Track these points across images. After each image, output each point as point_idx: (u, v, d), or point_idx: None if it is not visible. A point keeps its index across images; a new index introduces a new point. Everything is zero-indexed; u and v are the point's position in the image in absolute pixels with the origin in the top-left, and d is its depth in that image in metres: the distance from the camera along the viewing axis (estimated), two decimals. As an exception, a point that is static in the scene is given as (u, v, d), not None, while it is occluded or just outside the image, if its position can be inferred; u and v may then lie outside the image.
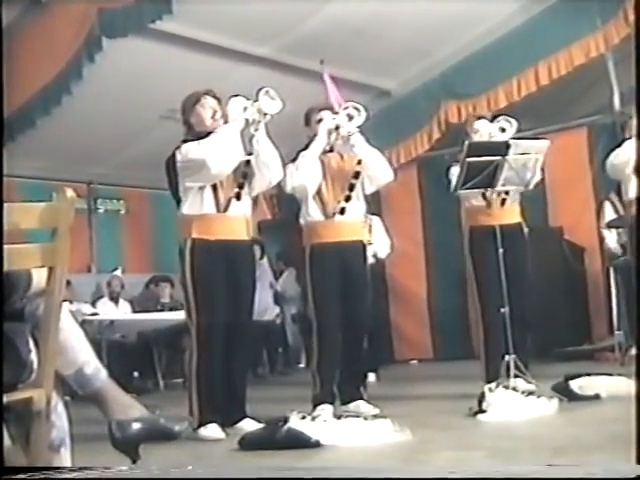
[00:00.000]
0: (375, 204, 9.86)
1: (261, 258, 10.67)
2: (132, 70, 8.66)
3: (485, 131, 6.61)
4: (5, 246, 2.31)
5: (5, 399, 2.40)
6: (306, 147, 6.03)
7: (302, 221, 6.13)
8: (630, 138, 6.77)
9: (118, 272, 10.55)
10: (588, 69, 9.66)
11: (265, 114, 5.42)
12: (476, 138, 6.61)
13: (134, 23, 7.76)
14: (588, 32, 9.43)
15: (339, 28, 8.95)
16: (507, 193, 6.53)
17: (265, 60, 9.21)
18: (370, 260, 8.22)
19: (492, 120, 6.69)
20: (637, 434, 2.74)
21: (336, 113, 6.09)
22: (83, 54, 7.88)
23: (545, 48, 9.67)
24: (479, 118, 6.90)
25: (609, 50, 9.40)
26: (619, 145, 6.89)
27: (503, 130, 6.53)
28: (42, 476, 2.44)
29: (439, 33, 9.63)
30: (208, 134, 5.41)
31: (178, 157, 5.42)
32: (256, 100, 5.41)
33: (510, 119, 6.58)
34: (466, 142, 6.25)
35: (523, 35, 9.77)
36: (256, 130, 5.45)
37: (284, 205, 11.10)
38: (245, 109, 5.42)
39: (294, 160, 5.96)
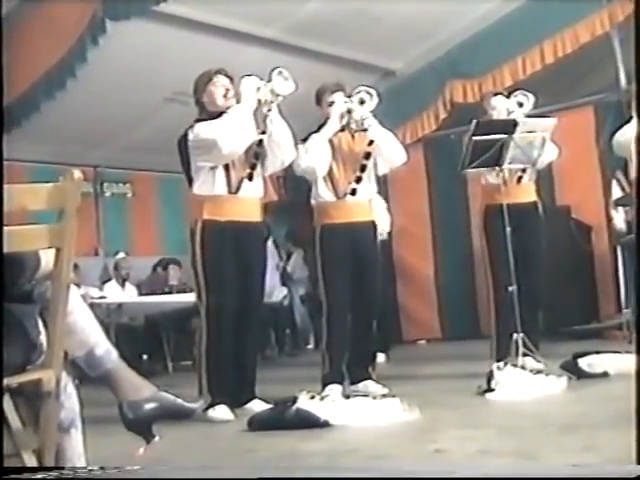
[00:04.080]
0: (381, 184, 9.87)
1: (267, 240, 10.68)
2: (136, 53, 8.64)
3: (502, 107, 6.58)
4: (12, 227, 2.31)
5: (15, 381, 2.41)
6: (318, 129, 6.02)
7: (313, 202, 6.14)
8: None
9: (121, 255, 10.54)
10: (594, 47, 9.63)
11: (278, 95, 5.41)
12: (494, 115, 6.61)
13: (138, 5, 7.74)
14: (593, 10, 9.42)
15: (343, 8, 8.92)
16: (524, 171, 6.53)
17: (270, 41, 9.18)
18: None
19: (508, 96, 6.66)
20: (637, 435, 2.73)
21: (349, 96, 6.07)
22: (87, 37, 7.85)
23: (550, 27, 9.64)
24: (496, 94, 6.88)
25: (614, 28, 9.37)
26: (626, 122, 6.86)
27: (521, 105, 6.51)
28: (40, 476, 2.44)
29: (443, 12, 9.59)
30: (220, 114, 5.40)
31: (190, 136, 5.41)
32: (269, 80, 5.40)
33: (527, 93, 6.55)
34: (474, 120, 6.24)
35: (528, 14, 9.74)
36: (269, 110, 5.44)
37: (291, 186, 11.09)
38: (258, 89, 5.41)
39: (304, 141, 5.95)
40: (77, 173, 2.41)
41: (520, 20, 9.78)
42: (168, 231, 11.12)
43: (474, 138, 6.08)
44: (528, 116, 6.45)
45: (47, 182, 2.42)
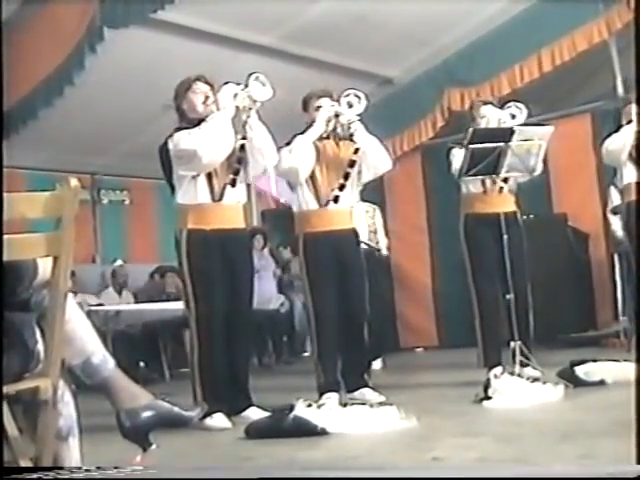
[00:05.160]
0: (379, 192, 9.90)
1: (264, 247, 10.67)
2: (134, 60, 8.64)
3: (494, 117, 6.57)
4: (10, 236, 2.31)
5: (12, 389, 2.41)
6: (303, 132, 6.02)
7: (295, 209, 6.13)
8: (629, 123, 6.75)
9: (119, 263, 10.54)
10: (591, 55, 9.64)
11: (256, 100, 5.40)
12: (483, 123, 6.58)
13: (135, 13, 7.74)
14: (591, 18, 9.42)
15: (340, 16, 8.94)
16: (505, 181, 6.52)
17: (267, 49, 9.19)
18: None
19: (502, 107, 6.66)
20: (637, 435, 2.73)
21: (336, 100, 6.07)
22: (85, 45, 7.86)
23: (548, 35, 9.65)
24: (485, 103, 6.88)
25: (612, 36, 9.38)
26: (616, 131, 6.87)
27: (513, 117, 6.50)
28: (36, 476, 2.44)
29: (441, 20, 9.60)
30: (200, 121, 5.39)
31: (170, 146, 5.40)
32: (246, 86, 5.39)
33: (520, 105, 6.54)
34: (470, 128, 6.24)
35: (525, 22, 9.75)
36: (248, 117, 5.42)
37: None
38: (235, 96, 5.40)
39: (288, 144, 5.95)
40: (74, 181, 2.41)
41: (518, 28, 9.79)
42: (165, 238, 11.02)
43: (471, 146, 6.08)
44: (525, 124, 6.44)
45: (44, 189, 2.42)
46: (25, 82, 8.08)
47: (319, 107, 6.07)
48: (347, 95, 6.00)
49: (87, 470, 2.63)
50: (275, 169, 5.91)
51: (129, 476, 2.70)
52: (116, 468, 2.71)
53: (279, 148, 5.76)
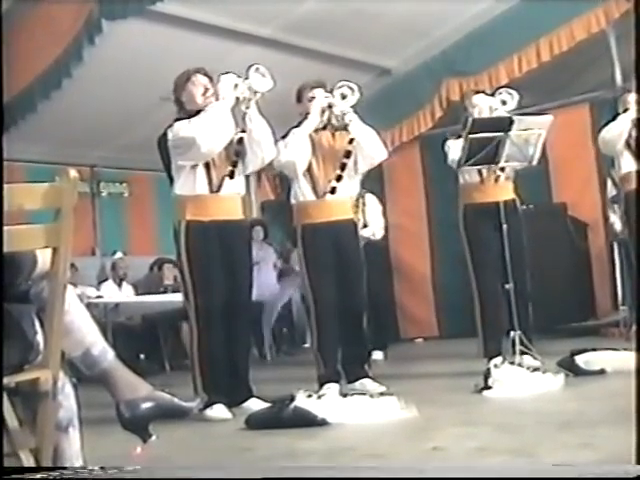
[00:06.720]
0: (378, 182, 9.91)
1: (264, 239, 10.66)
2: (133, 52, 8.63)
3: (485, 105, 6.59)
4: (9, 227, 2.31)
5: (12, 380, 2.41)
6: (298, 125, 6.02)
7: (293, 201, 6.15)
8: (625, 112, 6.76)
9: (119, 255, 10.53)
10: (589, 45, 9.63)
11: (256, 92, 5.40)
12: (475, 113, 6.60)
13: (134, 5, 7.73)
14: (589, 8, 9.42)
15: (339, 7, 8.92)
16: (502, 170, 6.52)
17: (266, 40, 9.17)
18: (365, 240, 8.23)
19: (493, 94, 6.67)
20: (637, 434, 2.74)
21: (330, 91, 6.07)
22: (83, 37, 7.84)
23: (546, 24, 9.64)
24: (477, 93, 6.89)
25: (610, 25, 9.37)
26: (613, 119, 6.87)
27: (504, 103, 6.51)
28: (39, 476, 2.44)
29: (439, 10, 9.58)
30: (199, 112, 5.40)
31: (169, 135, 5.42)
32: (246, 78, 5.39)
33: (511, 91, 6.56)
34: (470, 118, 6.24)
35: (524, 11, 9.74)
36: (247, 108, 5.44)
37: (287, 185, 11.07)
38: (236, 86, 5.41)
39: (284, 137, 5.96)
40: (73, 172, 2.41)
41: (516, 18, 9.78)
42: (165, 230, 11.03)
43: (470, 136, 6.08)
44: (524, 114, 6.44)
45: (44, 182, 2.42)
46: (23, 75, 8.06)
47: (313, 98, 6.08)
48: (340, 87, 6.00)
49: (91, 470, 2.63)
50: (272, 163, 5.94)
51: (132, 475, 2.71)
52: (116, 468, 2.72)
53: (276, 141, 5.77)
